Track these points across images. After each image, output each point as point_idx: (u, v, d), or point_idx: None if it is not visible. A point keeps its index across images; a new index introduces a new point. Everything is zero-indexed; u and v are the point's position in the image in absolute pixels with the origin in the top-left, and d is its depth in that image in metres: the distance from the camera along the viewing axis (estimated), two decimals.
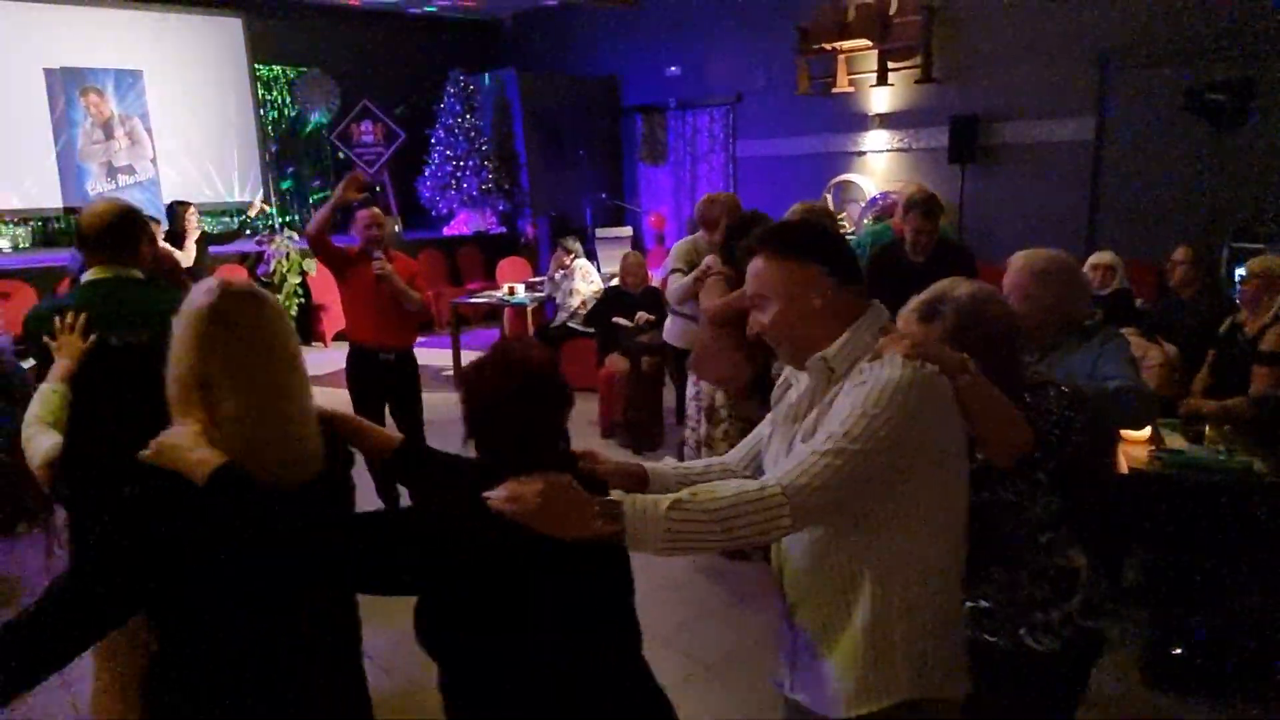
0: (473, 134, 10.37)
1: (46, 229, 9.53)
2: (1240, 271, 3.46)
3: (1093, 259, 4.34)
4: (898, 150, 7.80)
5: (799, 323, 1.38)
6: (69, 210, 9.47)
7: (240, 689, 1.33)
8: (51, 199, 9.42)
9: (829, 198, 8.19)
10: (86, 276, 2.18)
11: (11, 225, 9.24)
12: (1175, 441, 2.76)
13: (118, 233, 2.18)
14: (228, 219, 10.41)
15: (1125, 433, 2.79)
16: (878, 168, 7.99)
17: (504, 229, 10.83)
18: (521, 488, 1.17)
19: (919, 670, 1.36)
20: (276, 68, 11.13)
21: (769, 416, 1.59)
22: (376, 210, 4.14)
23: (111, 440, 1.35)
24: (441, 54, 11.58)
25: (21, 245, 9.29)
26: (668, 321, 4.21)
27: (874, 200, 7.52)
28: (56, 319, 1.97)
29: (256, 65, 10.82)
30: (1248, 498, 2.45)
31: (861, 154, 8.09)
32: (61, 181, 9.41)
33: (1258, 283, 3.28)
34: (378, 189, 10.98)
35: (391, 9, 11.43)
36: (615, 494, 1.28)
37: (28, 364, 4.63)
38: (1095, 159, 6.54)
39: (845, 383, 1.33)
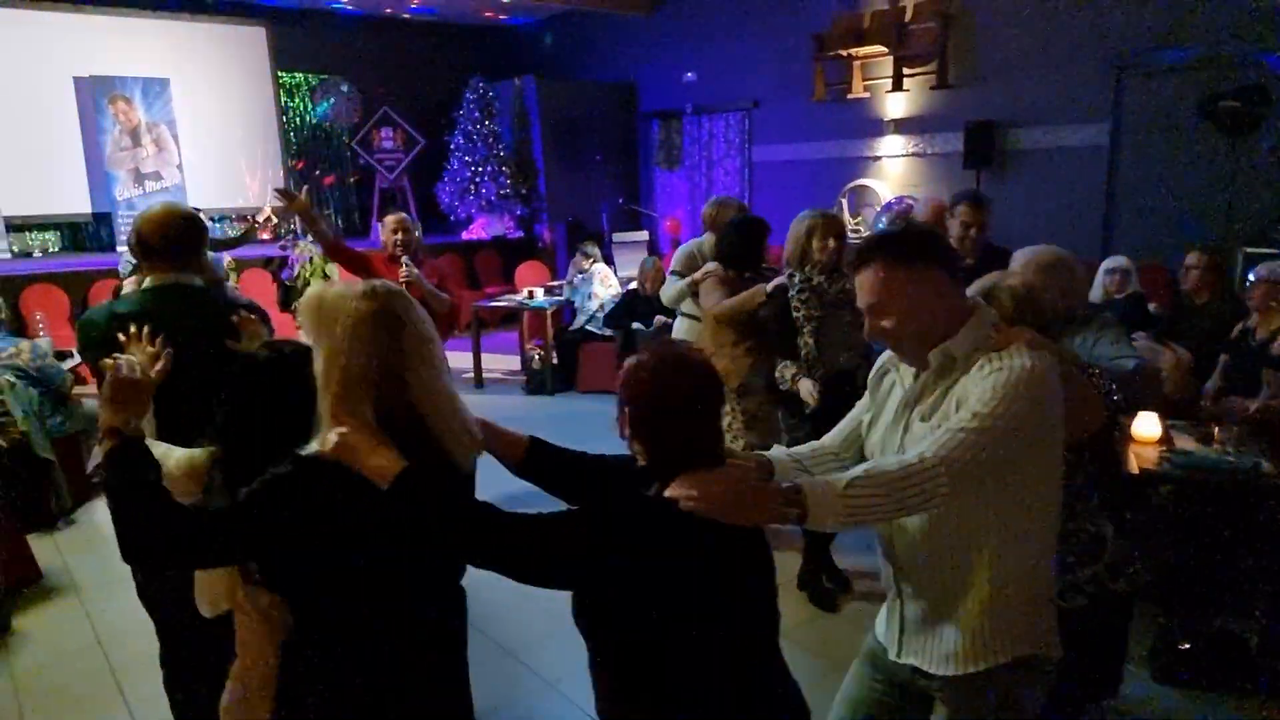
0: (491, 140, 10.51)
1: (76, 234, 9.74)
2: (1251, 277, 3.51)
3: (1106, 263, 4.40)
4: (913, 155, 7.86)
5: (923, 323, 1.49)
6: (97, 216, 9.69)
7: (373, 684, 1.40)
8: (81, 205, 9.64)
9: (844, 203, 8.25)
10: (146, 283, 2.14)
11: (42, 231, 9.45)
12: (1185, 442, 2.82)
13: (179, 239, 2.13)
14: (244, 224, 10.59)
15: (1136, 433, 2.85)
16: (893, 173, 8.05)
17: (521, 233, 10.96)
18: (707, 483, 1.26)
19: (1029, 629, 1.51)
20: (298, 75, 11.32)
21: (863, 402, 1.72)
22: (403, 216, 4.23)
23: (272, 445, 1.43)
24: (461, 61, 11.75)
25: (51, 250, 9.50)
26: (675, 323, 4.34)
27: (889, 205, 7.58)
28: (120, 328, 1.91)
29: (279, 72, 11.02)
30: (1257, 497, 2.51)
31: (877, 159, 8.15)
32: (90, 187, 9.63)
33: (1266, 288, 3.34)
34: (395, 196, 11.16)
35: (412, 17, 11.59)
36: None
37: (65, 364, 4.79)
38: (1110, 164, 6.57)
39: (972, 370, 1.47)
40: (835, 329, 3.16)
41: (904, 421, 1.57)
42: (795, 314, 3.17)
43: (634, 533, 1.29)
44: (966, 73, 7.28)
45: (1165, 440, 2.83)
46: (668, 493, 1.27)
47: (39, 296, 7.45)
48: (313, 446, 1.34)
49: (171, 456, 1.66)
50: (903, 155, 7.93)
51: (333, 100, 11.29)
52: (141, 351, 1.74)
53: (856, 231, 8.18)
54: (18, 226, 9.15)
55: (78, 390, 4.92)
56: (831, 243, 3.24)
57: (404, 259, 3.99)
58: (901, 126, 7.86)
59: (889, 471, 1.35)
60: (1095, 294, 4.47)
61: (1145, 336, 3.73)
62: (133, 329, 1.82)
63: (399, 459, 1.29)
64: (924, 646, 1.56)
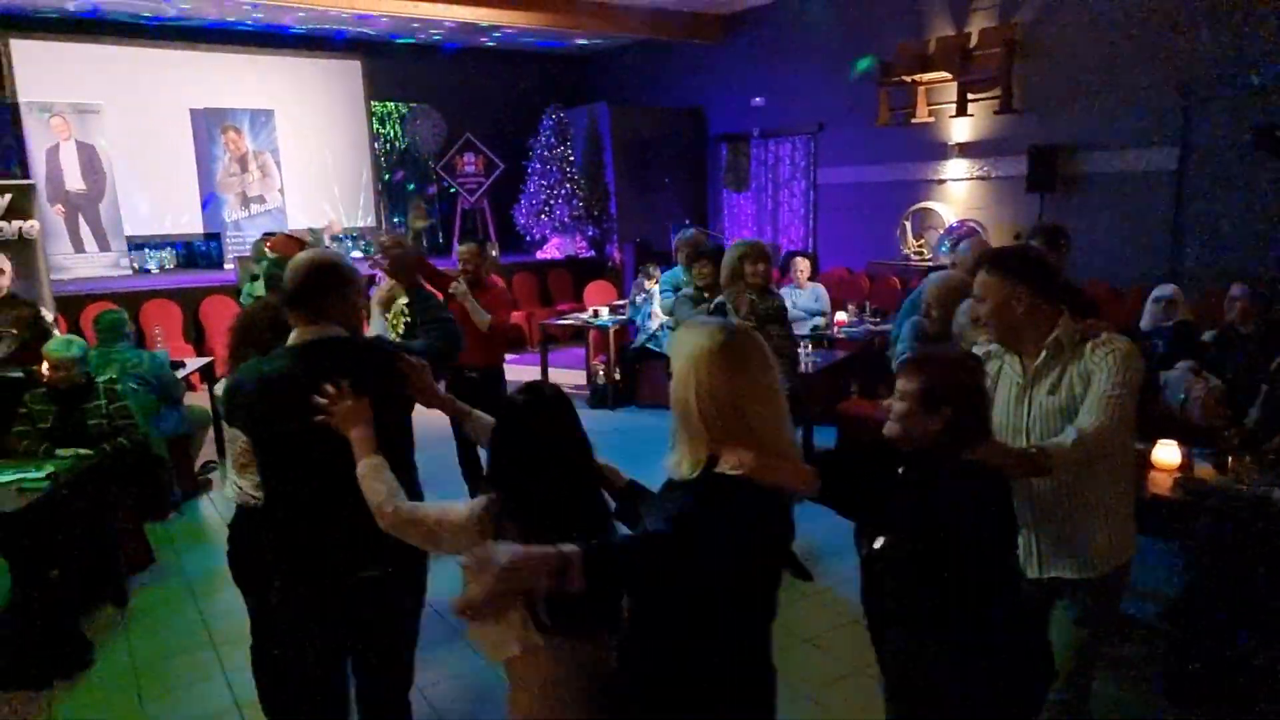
0: (565, 164, 10.98)
1: (189, 252, 10.63)
2: None
3: (1154, 292, 4.44)
4: (977, 179, 7.90)
5: (1004, 320, 2.08)
6: (208, 235, 10.56)
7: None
8: (194, 225, 10.53)
9: (907, 225, 8.34)
10: (292, 338, 2.04)
11: (159, 250, 10.36)
12: (1204, 471, 2.90)
13: (317, 288, 2.00)
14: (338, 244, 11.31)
15: (1156, 459, 2.95)
16: (957, 196, 8.10)
17: (593, 253, 11.37)
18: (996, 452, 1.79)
19: (1131, 537, 2.12)
20: (390, 104, 12.06)
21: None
22: (474, 247, 4.65)
23: (550, 486, 1.62)
24: (539, 88, 12.29)
25: (167, 267, 10.39)
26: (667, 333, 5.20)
27: (952, 229, 7.65)
28: (270, 393, 1.96)
29: (372, 102, 11.78)
30: (1266, 524, 2.60)
31: (941, 182, 8.21)
32: (203, 209, 10.51)
33: None
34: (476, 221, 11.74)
35: (494, 47, 12.20)
36: None
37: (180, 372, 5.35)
38: (1178, 190, 6.50)
39: (1085, 353, 2.02)
40: (766, 340, 3.52)
41: (1026, 399, 2.09)
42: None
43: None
44: (1031, 97, 7.31)
45: (1184, 468, 2.92)
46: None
47: (156, 310, 8.22)
48: (723, 467, 1.46)
49: (453, 510, 1.70)
50: (966, 179, 7.98)
51: (420, 127, 11.99)
52: (354, 410, 1.86)
53: (920, 253, 8.26)
54: (138, 245, 10.06)
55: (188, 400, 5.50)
56: (761, 266, 3.82)
57: (457, 279, 4.41)
58: (965, 150, 7.92)
59: (1092, 431, 1.91)
60: (1144, 322, 4.51)
61: (1185, 366, 3.78)
62: (330, 388, 1.87)
63: (812, 471, 1.58)
64: (1066, 557, 2.07)
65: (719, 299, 3.93)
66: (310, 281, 2.00)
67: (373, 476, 1.79)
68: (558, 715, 1.64)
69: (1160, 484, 2.85)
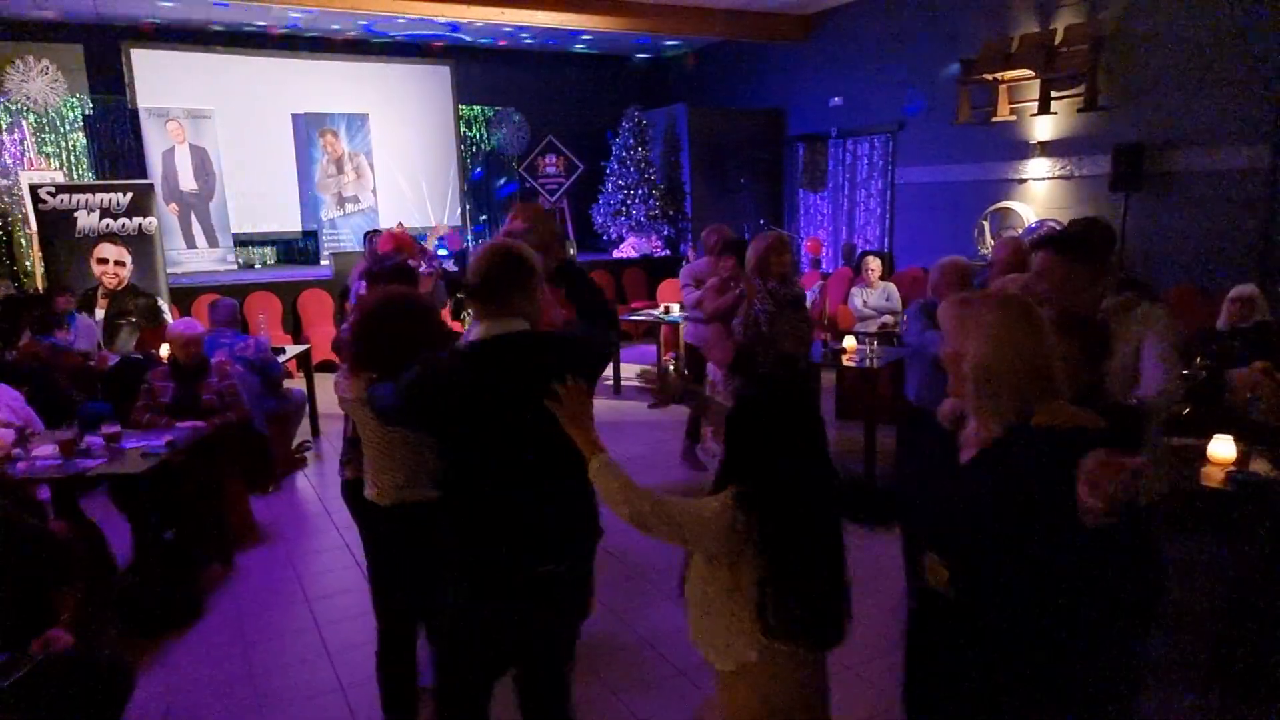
0: (643, 165, 11.21)
1: (290, 249, 11.31)
2: None
3: (1232, 292, 4.34)
4: (1059, 178, 7.74)
5: (1063, 295, 2.25)
6: (306, 233, 11.21)
7: None
8: (293, 223, 11.20)
9: (985, 225, 8.23)
10: (479, 333, 1.98)
11: (261, 246, 11.06)
12: (1260, 464, 2.90)
13: (499, 279, 1.95)
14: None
15: (1211, 453, 2.96)
16: (1038, 195, 7.95)
17: (668, 252, 11.56)
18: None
19: None
20: (476, 107, 12.54)
21: None
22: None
23: (790, 476, 1.63)
24: (619, 91, 12.57)
25: (269, 262, 11.08)
26: (687, 325, 5.45)
27: (1030, 229, 7.52)
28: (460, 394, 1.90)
29: (460, 105, 12.27)
30: None
31: (1022, 181, 8.07)
32: (301, 208, 11.16)
33: None
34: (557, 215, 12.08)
35: (576, 51, 12.53)
36: None
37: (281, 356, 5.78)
38: (1271, 188, 6.25)
39: (1135, 316, 2.34)
40: (784, 322, 4.19)
41: None
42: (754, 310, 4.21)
43: None
44: (1116, 94, 7.12)
45: (1240, 462, 2.91)
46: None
47: (259, 302, 8.82)
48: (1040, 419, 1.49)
49: (704, 505, 1.67)
50: (1048, 178, 7.82)
51: (505, 129, 12.42)
52: (579, 403, 1.83)
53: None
54: (243, 242, 10.78)
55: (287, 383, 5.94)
56: (786, 257, 4.28)
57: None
58: (1048, 149, 7.76)
59: (1170, 391, 2.26)
60: (1221, 322, 4.42)
61: (1263, 365, 3.71)
62: (562, 386, 1.82)
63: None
64: None
65: (740, 287, 4.36)
66: (496, 273, 1.95)
67: (610, 474, 1.76)
68: None
69: (1212, 477, 2.86)
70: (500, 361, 1.91)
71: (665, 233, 11.54)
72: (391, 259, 4.17)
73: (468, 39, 11.46)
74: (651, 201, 11.22)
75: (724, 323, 4.37)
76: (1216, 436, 2.97)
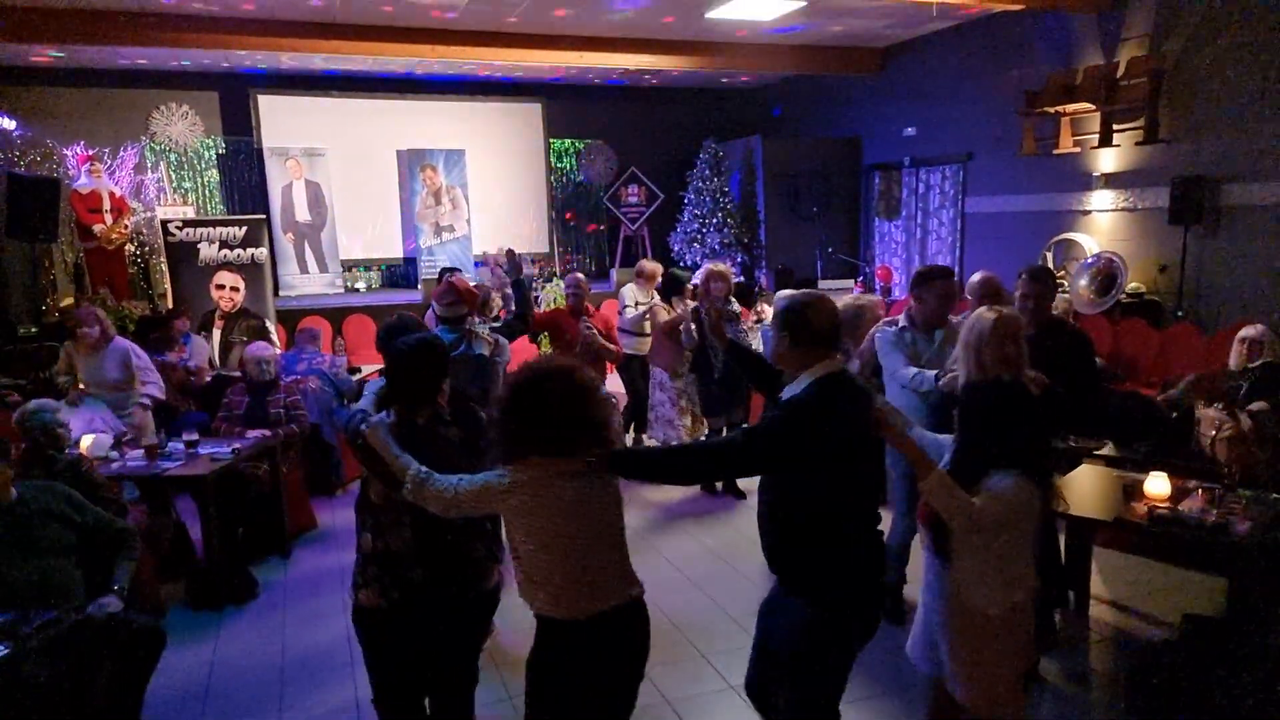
0: (719, 194, 11.58)
1: (391, 273, 12.32)
2: None
3: (1240, 332, 4.31)
4: (1121, 210, 7.58)
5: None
6: (406, 260, 12.19)
7: None
8: (394, 251, 12.20)
9: (1048, 255, 8.12)
10: (822, 370, 2.21)
11: (366, 270, 12.11)
12: (1193, 503, 2.97)
13: (838, 329, 2.30)
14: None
15: (1146, 489, 3.07)
16: (1100, 227, 7.79)
17: (742, 279, 11.83)
18: None
19: None
20: (565, 141, 13.25)
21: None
22: (580, 276, 5.39)
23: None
24: (698, 122, 13.00)
25: (373, 286, 12.10)
26: (627, 340, 6.20)
27: (1088, 262, 7.39)
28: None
29: (550, 139, 13.02)
30: (1224, 555, 2.71)
31: (1086, 213, 7.93)
32: (403, 237, 12.15)
33: None
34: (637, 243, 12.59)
35: (658, 84, 13.07)
36: None
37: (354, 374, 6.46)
38: None
39: None
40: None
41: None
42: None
43: None
44: (1177, 127, 6.96)
45: (1173, 499, 3.02)
46: None
47: (357, 323, 9.71)
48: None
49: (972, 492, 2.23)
50: (1111, 210, 7.67)
51: (594, 162, 13.08)
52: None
53: (1061, 284, 8.01)
54: (349, 267, 11.84)
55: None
56: (722, 285, 5.35)
57: (585, 321, 5.23)
58: (1110, 181, 7.62)
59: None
60: (1232, 361, 4.38)
61: (1231, 408, 3.72)
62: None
63: None
64: None
65: (693, 305, 5.26)
66: (838, 323, 2.31)
67: (951, 486, 2.20)
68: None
69: (1135, 511, 3.02)
70: (833, 399, 2.27)
71: (740, 259, 11.82)
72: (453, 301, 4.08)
73: (553, 79, 12.21)
74: (726, 230, 11.56)
75: (669, 336, 5.65)
76: (1153, 473, 3.07)
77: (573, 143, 13.31)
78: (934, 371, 3.24)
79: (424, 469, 2.12)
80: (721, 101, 13.66)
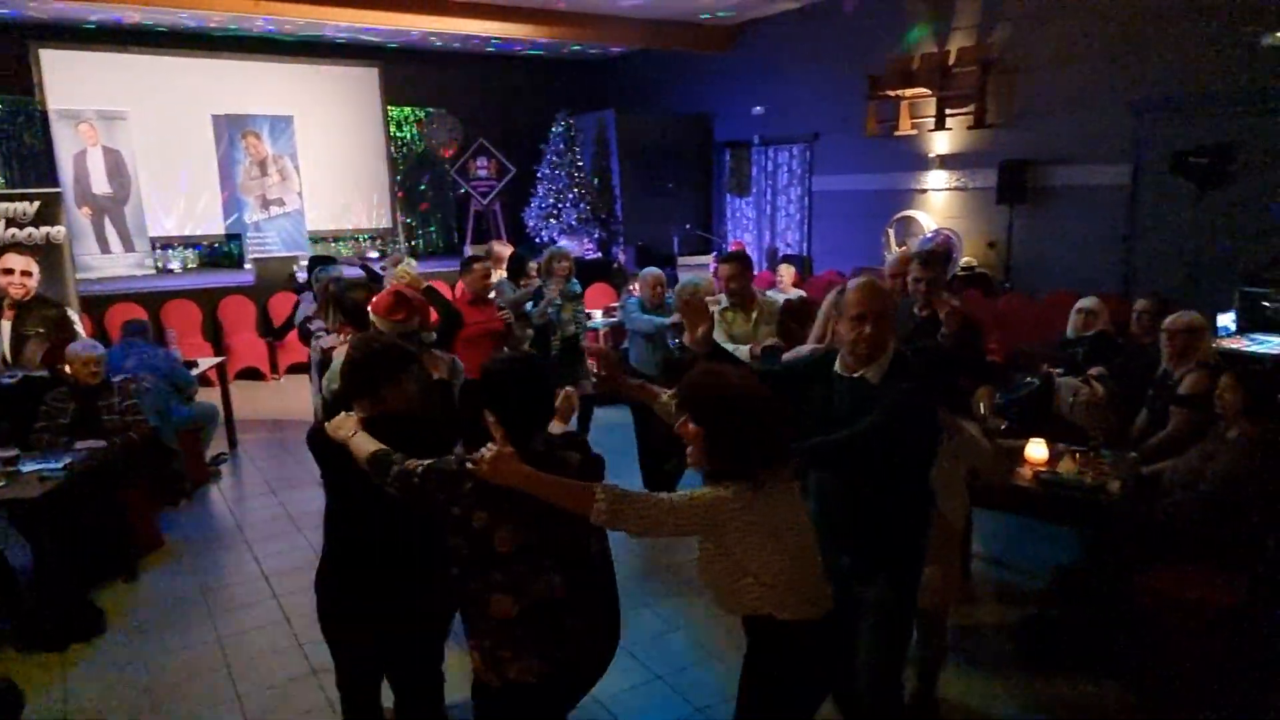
0: (573, 169, 11.40)
1: (212, 252, 11.21)
2: (1164, 324, 3.83)
3: (1078, 303, 4.74)
4: (954, 190, 8.19)
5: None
6: (229, 236, 11.13)
7: None
8: (215, 227, 11.11)
9: (891, 232, 8.64)
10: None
11: (182, 249, 10.95)
12: (1067, 465, 3.29)
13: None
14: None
15: (1027, 454, 3.35)
16: (937, 205, 8.39)
17: (600, 255, 11.77)
18: None
19: None
20: (406, 109, 12.54)
21: None
22: (489, 266, 5.17)
23: None
24: (549, 94, 12.71)
25: (190, 266, 10.96)
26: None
27: (926, 239, 7.94)
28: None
29: (389, 107, 12.27)
30: (1102, 513, 3.04)
31: (923, 191, 8.50)
32: (224, 211, 11.07)
33: (1182, 339, 3.68)
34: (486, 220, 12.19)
35: (506, 53, 12.63)
36: None
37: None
38: (1131, 203, 6.77)
39: None
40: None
41: None
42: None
43: None
44: (1003, 114, 7.59)
45: (1051, 462, 3.31)
46: None
47: (176, 309, 8.73)
48: None
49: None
50: (945, 189, 8.27)
51: (436, 131, 12.46)
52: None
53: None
54: (162, 246, 10.65)
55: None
56: (565, 264, 5.55)
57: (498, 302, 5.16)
58: (945, 162, 8.20)
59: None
60: (1069, 330, 4.82)
61: (1096, 372, 4.10)
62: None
63: None
64: None
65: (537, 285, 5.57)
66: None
67: None
68: None
69: (1023, 476, 3.29)
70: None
71: (597, 236, 11.73)
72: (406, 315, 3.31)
73: (391, 43, 11.50)
74: (582, 205, 11.41)
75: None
76: (1033, 440, 3.35)
77: (413, 110, 12.63)
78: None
79: (609, 483, 1.89)
80: (574, 71, 13.41)
